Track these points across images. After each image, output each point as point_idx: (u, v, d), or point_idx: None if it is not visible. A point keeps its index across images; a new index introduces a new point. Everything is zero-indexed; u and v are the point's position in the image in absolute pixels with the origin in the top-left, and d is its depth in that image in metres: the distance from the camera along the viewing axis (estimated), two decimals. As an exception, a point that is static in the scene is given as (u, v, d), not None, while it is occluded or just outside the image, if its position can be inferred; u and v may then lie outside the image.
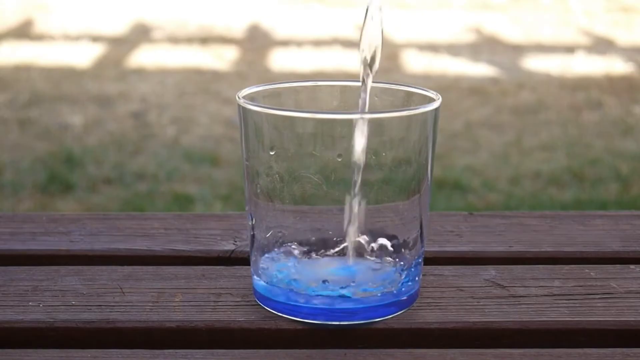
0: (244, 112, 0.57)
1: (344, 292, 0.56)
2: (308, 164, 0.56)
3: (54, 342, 0.57)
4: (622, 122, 3.02)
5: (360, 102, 0.59)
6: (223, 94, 3.29)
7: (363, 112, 0.60)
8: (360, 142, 0.55)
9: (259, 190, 0.58)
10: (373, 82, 0.61)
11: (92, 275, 0.64)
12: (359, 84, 0.61)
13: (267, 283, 0.58)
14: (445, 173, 2.42)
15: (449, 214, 0.78)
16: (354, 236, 0.57)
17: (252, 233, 0.59)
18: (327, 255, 0.58)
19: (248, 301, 0.60)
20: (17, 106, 3.10)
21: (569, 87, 3.48)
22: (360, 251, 0.57)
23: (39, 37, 4.28)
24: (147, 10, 4.90)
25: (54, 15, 4.76)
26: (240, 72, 3.67)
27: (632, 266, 0.66)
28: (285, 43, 4.22)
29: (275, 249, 0.58)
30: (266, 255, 0.58)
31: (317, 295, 0.56)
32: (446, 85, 3.43)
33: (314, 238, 0.58)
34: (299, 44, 4.19)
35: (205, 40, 4.24)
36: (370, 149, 0.57)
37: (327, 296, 0.56)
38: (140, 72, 3.64)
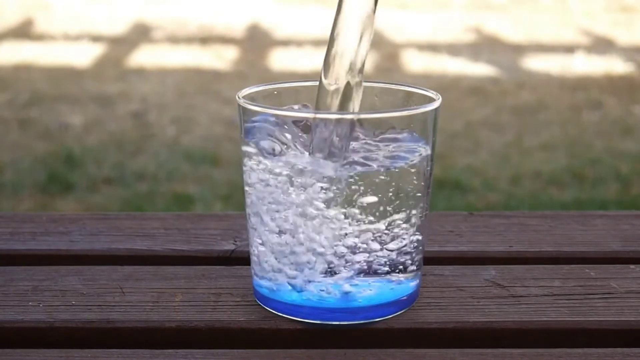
0: (244, 112, 0.58)
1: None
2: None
3: (54, 342, 0.57)
4: (622, 122, 3.02)
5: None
6: (223, 94, 3.29)
7: (362, 111, 0.60)
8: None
9: (259, 190, 0.58)
10: (373, 82, 0.61)
11: (92, 275, 0.64)
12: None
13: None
14: (445, 173, 2.42)
15: (449, 214, 0.78)
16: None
17: (252, 232, 0.59)
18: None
19: (248, 301, 0.60)
20: (17, 106, 3.10)
21: (569, 87, 3.48)
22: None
23: (39, 37, 4.28)
24: (147, 10, 4.90)
25: (54, 15, 4.76)
26: (240, 72, 3.67)
27: (632, 266, 0.66)
28: (285, 43, 4.22)
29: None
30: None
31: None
32: (446, 85, 3.42)
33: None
34: (299, 44, 4.19)
35: (205, 40, 4.24)
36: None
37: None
38: (140, 72, 3.64)
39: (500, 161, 2.60)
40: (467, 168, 2.52)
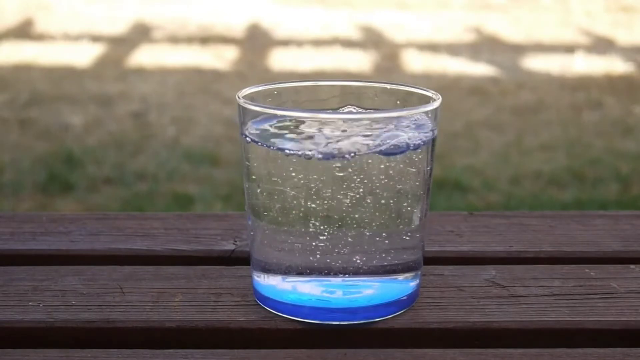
0: (244, 112, 0.58)
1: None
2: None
3: (54, 342, 0.57)
4: (622, 122, 3.02)
5: None
6: (223, 94, 3.29)
7: (363, 111, 0.60)
8: None
9: (259, 190, 0.58)
10: (374, 82, 0.61)
11: (92, 275, 0.64)
12: (359, 84, 0.62)
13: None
14: (445, 173, 2.42)
15: (449, 214, 0.78)
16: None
17: (252, 233, 0.59)
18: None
19: (248, 301, 0.60)
20: (17, 106, 3.10)
21: (569, 87, 3.48)
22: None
23: (39, 37, 4.28)
24: (147, 10, 4.90)
25: (54, 15, 4.76)
26: (240, 72, 3.67)
27: (632, 266, 0.66)
28: (285, 43, 4.22)
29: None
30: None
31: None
32: (446, 85, 3.43)
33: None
34: (299, 44, 4.19)
35: (205, 40, 4.24)
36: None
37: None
38: (140, 72, 3.64)
39: (500, 161, 2.60)
40: (467, 168, 2.52)
